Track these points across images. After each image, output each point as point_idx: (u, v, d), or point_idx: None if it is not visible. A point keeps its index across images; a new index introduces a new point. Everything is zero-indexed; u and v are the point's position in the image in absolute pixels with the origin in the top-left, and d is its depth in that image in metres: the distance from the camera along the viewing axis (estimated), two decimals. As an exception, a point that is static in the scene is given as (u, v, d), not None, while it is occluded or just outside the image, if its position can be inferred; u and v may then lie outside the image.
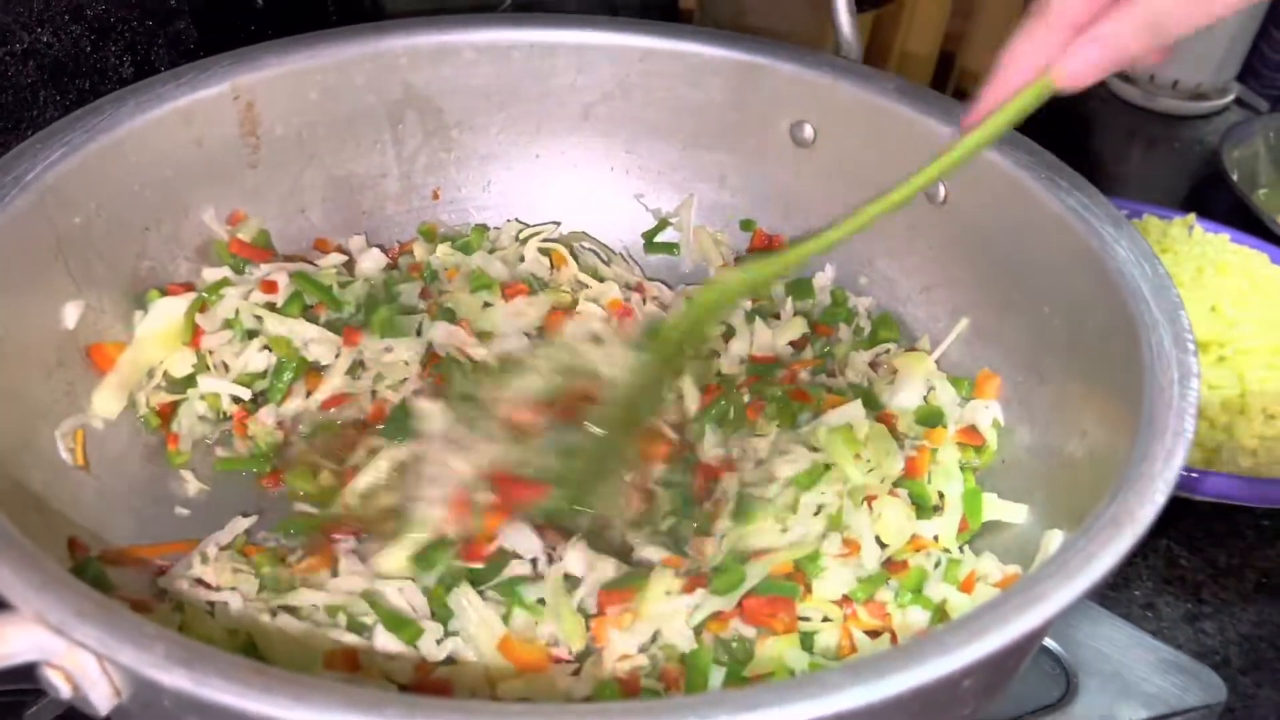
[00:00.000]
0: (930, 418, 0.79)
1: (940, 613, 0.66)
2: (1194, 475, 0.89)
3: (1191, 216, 1.21)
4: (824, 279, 0.92)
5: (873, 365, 0.85)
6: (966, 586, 0.67)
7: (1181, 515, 0.98)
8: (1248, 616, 0.91)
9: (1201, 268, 1.12)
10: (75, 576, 0.61)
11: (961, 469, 0.75)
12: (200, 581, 0.67)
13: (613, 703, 0.43)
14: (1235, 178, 1.36)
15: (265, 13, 1.00)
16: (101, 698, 0.43)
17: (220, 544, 0.70)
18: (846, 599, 0.67)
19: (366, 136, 0.91)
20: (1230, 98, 1.68)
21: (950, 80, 1.57)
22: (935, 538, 0.71)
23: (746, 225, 0.97)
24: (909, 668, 0.41)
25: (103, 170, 0.74)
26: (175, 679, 0.39)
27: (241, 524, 0.72)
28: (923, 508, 0.73)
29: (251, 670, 0.39)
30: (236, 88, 0.82)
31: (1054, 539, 0.64)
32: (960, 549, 0.72)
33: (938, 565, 0.69)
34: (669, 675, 0.61)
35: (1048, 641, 0.81)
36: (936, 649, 0.42)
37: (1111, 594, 0.91)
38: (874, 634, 0.66)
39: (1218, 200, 1.40)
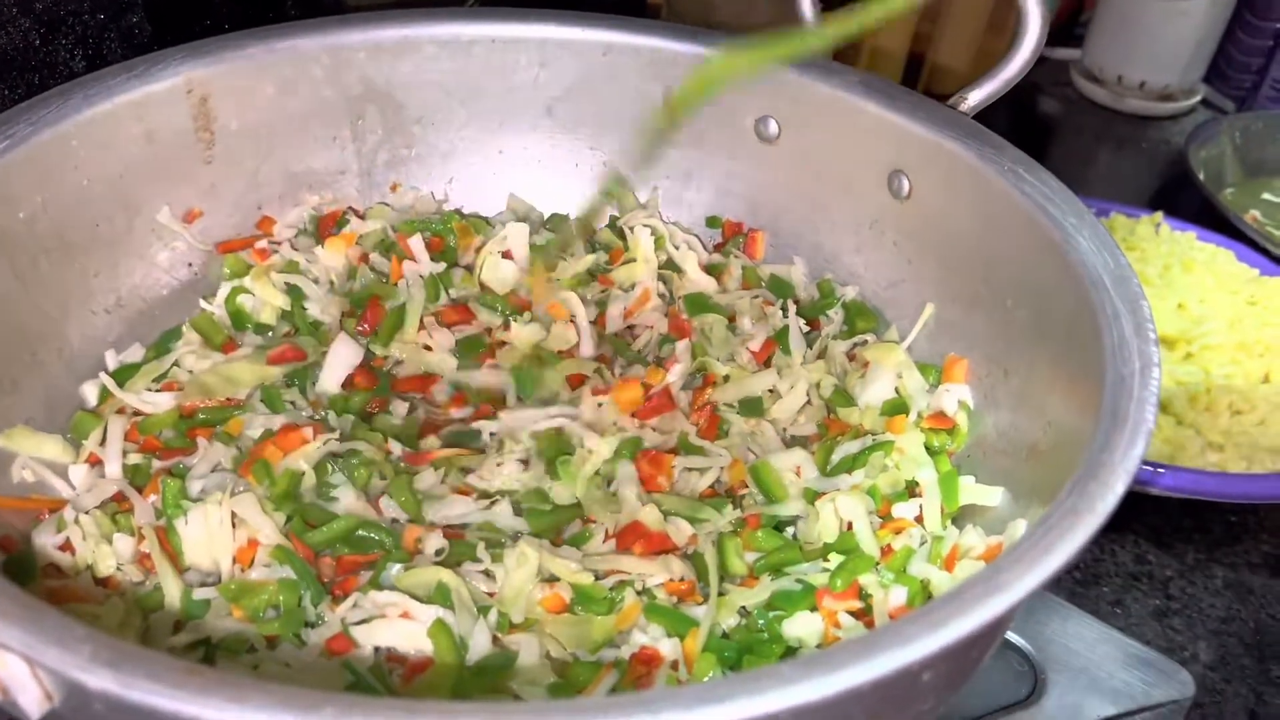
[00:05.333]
0: (895, 409, 0.78)
1: (923, 591, 0.65)
2: (1160, 470, 0.88)
3: (1159, 215, 1.21)
4: (797, 274, 0.91)
5: (849, 355, 0.85)
6: (949, 563, 0.66)
7: (1150, 511, 0.97)
8: (1216, 612, 0.91)
9: (1169, 265, 1.13)
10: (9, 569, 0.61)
11: (934, 454, 0.75)
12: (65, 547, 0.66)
13: (557, 701, 0.42)
14: (1202, 177, 1.36)
15: (221, 6, 0.99)
16: (31, 702, 0.42)
17: (83, 508, 0.68)
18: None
19: (325, 132, 0.89)
20: (1197, 99, 1.69)
21: (920, 78, 1.57)
22: (918, 519, 0.71)
23: (713, 222, 0.96)
24: (864, 660, 0.40)
25: (49, 165, 0.72)
26: (102, 681, 0.37)
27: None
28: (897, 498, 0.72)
29: (184, 671, 0.37)
30: (190, 81, 0.80)
31: (1018, 529, 0.63)
32: (944, 527, 0.71)
33: (923, 543, 0.69)
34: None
35: (1015, 638, 0.81)
36: (893, 641, 0.41)
37: (1080, 590, 0.91)
38: (858, 615, 0.65)
39: (1185, 199, 1.41)
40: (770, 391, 0.80)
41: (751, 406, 0.79)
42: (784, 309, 0.87)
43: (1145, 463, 0.52)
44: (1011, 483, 0.70)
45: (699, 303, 0.86)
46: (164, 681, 0.37)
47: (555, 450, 0.72)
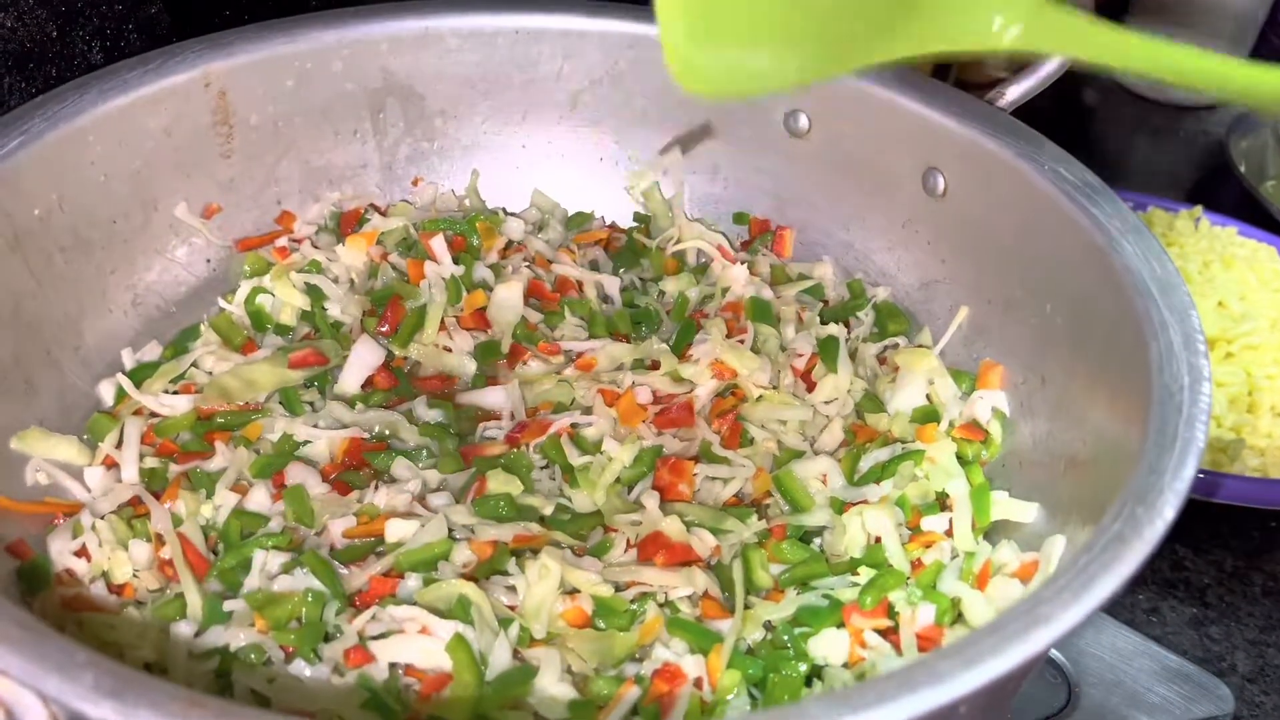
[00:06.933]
0: (926, 416, 0.76)
1: (952, 609, 0.63)
2: (1202, 476, 0.86)
3: (1198, 209, 1.18)
4: (826, 273, 0.89)
5: (879, 359, 0.83)
6: (981, 580, 0.64)
7: (1187, 517, 0.94)
8: (1255, 621, 0.88)
9: (1209, 261, 1.10)
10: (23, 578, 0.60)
11: (966, 464, 0.72)
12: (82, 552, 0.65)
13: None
14: (1243, 169, 1.33)
15: (241, -3, 0.98)
16: (37, 725, 0.41)
17: (99, 512, 0.67)
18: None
19: (345, 126, 0.88)
20: (1238, 87, 1.65)
21: (951, 70, 1.54)
22: (948, 532, 0.69)
23: (740, 218, 0.94)
24: (897, 700, 0.38)
25: (64, 160, 0.71)
26: (103, 712, 0.36)
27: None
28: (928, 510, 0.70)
29: (187, 702, 0.36)
30: (208, 75, 0.79)
31: (1055, 546, 0.61)
32: (976, 541, 0.69)
33: (954, 557, 0.67)
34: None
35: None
36: (928, 678, 0.39)
37: (1115, 598, 0.89)
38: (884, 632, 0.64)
39: (1225, 192, 1.37)
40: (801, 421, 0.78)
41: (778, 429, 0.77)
42: (822, 316, 0.85)
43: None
44: (1048, 495, 0.67)
45: (763, 311, 0.83)
46: (167, 712, 0.36)
47: (565, 458, 0.71)
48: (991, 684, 0.39)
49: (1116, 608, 0.88)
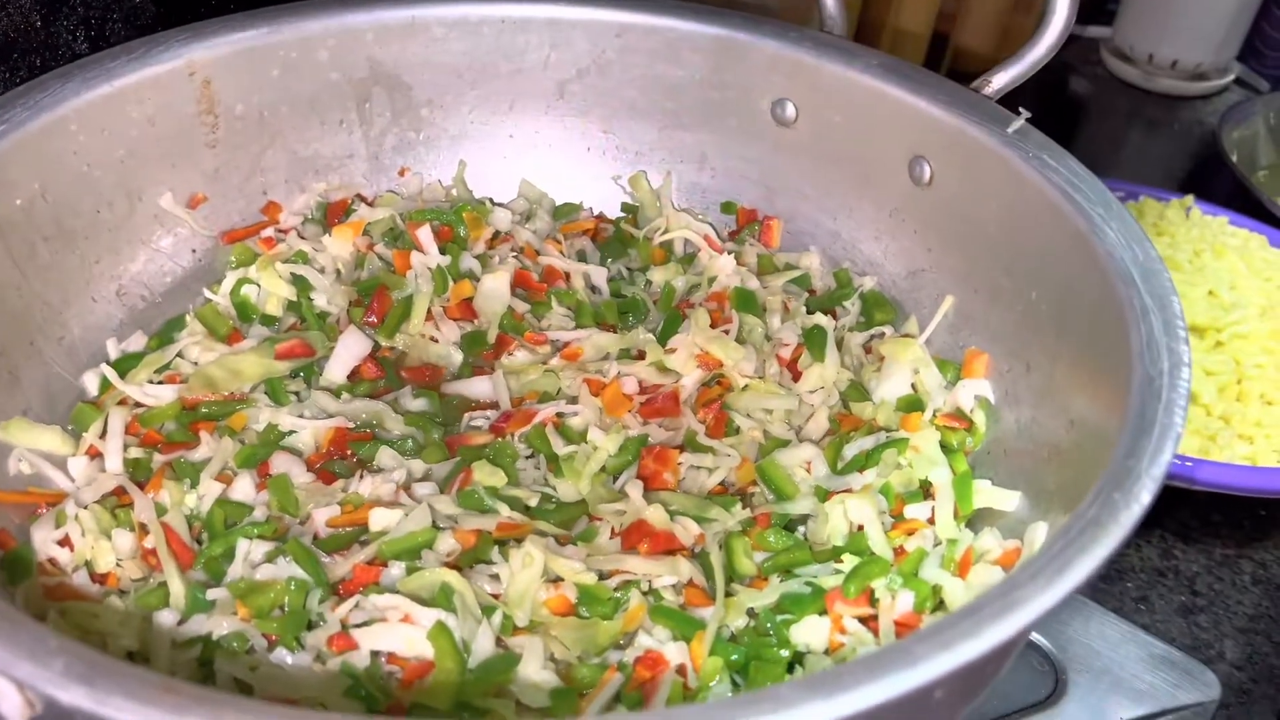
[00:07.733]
0: (911, 405, 0.76)
1: (933, 596, 0.63)
2: (1189, 463, 0.86)
3: (1190, 198, 1.18)
4: (813, 263, 0.89)
5: (865, 348, 0.83)
6: (963, 567, 0.64)
7: (1177, 505, 0.95)
8: (1243, 609, 0.88)
9: (1199, 250, 1.10)
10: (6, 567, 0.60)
11: (950, 452, 0.72)
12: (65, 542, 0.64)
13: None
14: (1235, 159, 1.33)
15: (226, -15, 0.97)
16: (13, 710, 0.40)
17: (83, 502, 0.67)
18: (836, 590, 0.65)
19: (331, 115, 0.87)
20: (1230, 78, 1.65)
21: (944, 60, 1.54)
22: (931, 520, 0.69)
23: (728, 208, 0.94)
24: (870, 683, 0.38)
25: (47, 149, 0.71)
26: (74, 697, 0.36)
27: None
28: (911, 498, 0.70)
29: (160, 688, 0.36)
30: (193, 64, 0.78)
31: (1038, 533, 0.61)
32: (958, 529, 0.69)
33: (936, 545, 0.67)
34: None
35: (1035, 637, 0.78)
36: (902, 661, 0.39)
37: (1103, 586, 0.89)
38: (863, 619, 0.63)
39: (1217, 182, 1.37)
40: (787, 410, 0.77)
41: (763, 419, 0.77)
42: (809, 306, 0.85)
43: (1178, 458, 0.50)
44: (1032, 483, 0.67)
45: (748, 301, 0.83)
46: (139, 699, 0.36)
47: (550, 447, 0.71)
48: (967, 667, 0.39)
49: (1105, 596, 0.88)
